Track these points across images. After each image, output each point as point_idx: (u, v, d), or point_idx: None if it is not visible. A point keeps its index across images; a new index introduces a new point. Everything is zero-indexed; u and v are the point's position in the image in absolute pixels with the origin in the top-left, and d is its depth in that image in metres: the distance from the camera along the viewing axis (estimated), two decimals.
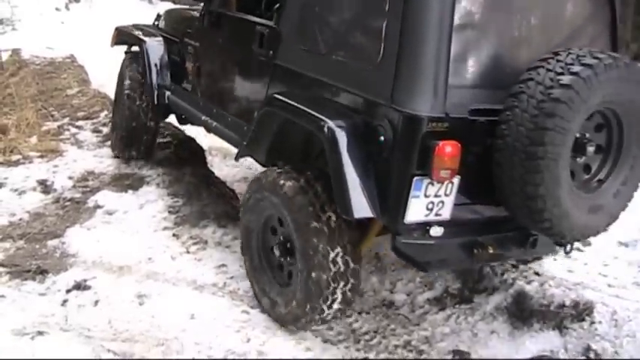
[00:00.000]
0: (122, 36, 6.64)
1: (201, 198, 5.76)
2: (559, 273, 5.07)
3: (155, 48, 6.06)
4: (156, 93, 5.96)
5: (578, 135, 3.50)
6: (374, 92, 3.64)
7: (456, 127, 3.45)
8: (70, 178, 6.08)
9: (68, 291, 4.40)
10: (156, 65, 6.00)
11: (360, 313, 4.79)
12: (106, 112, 8.05)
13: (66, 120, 7.89)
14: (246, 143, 4.57)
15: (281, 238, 4.22)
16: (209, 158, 7.17)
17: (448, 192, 3.53)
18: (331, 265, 3.86)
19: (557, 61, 3.45)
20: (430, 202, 3.51)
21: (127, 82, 6.34)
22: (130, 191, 5.82)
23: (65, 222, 5.30)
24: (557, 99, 3.32)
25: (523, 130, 3.39)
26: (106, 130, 7.47)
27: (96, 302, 4.31)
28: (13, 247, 4.89)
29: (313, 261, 3.87)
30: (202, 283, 4.63)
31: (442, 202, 3.54)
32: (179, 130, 7.41)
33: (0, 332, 3.74)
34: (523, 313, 4.60)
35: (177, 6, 7.64)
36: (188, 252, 5.02)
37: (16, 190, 5.78)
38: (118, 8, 16.68)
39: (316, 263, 3.86)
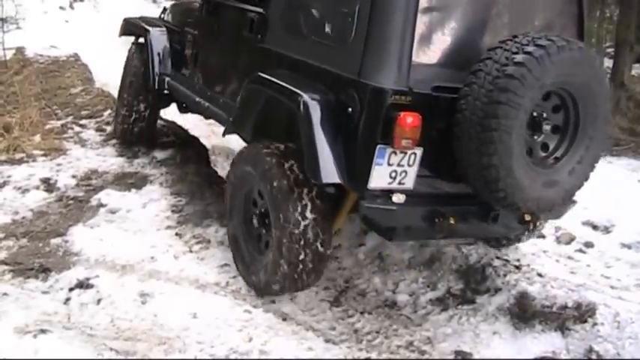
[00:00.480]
0: (129, 26, 7.02)
1: (205, 197, 5.76)
2: (561, 274, 5.08)
3: (158, 37, 6.38)
4: (157, 79, 6.26)
5: (535, 114, 3.83)
6: (345, 68, 3.97)
7: (418, 101, 3.78)
8: (74, 176, 6.08)
9: (71, 289, 4.40)
10: (158, 54, 6.32)
11: (362, 313, 4.79)
12: (109, 111, 8.06)
13: (69, 118, 7.89)
14: (232, 120, 4.89)
15: (261, 209, 4.51)
16: (212, 157, 7.17)
17: (411, 162, 3.85)
18: (302, 236, 4.16)
19: (515, 42, 3.75)
20: (393, 171, 3.83)
21: (131, 70, 6.70)
22: (134, 190, 5.83)
23: (68, 220, 5.31)
24: (511, 75, 3.62)
25: (479, 104, 3.69)
26: (109, 128, 7.48)
27: (98, 301, 4.31)
28: (16, 246, 4.90)
29: (285, 231, 4.16)
30: (205, 282, 4.63)
31: (405, 171, 3.86)
32: (183, 129, 7.44)
33: (3, 330, 3.75)
34: (525, 314, 4.60)
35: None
36: (191, 251, 5.02)
37: (19, 188, 5.78)
38: (123, 7, 16.70)
39: (288, 233, 4.15)
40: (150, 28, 6.48)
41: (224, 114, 5.19)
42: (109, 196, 5.66)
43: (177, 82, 6.14)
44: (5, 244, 4.90)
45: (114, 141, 7.10)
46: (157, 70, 6.29)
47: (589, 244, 5.94)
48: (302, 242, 4.17)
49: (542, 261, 5.39)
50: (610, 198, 6.61)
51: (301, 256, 4.20)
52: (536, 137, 3.92)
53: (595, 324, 4.36)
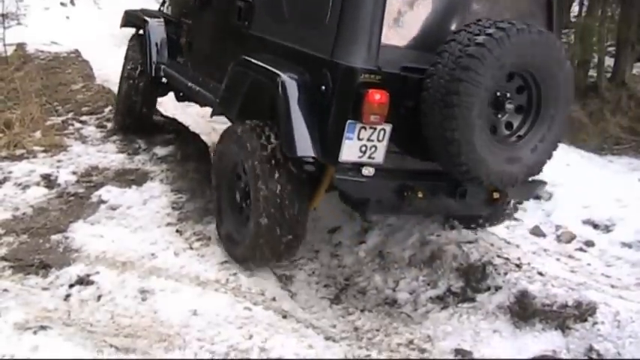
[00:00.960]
0: (129, 18, 7.32)
1: (205, 194, 5.75)
2: (562, 273, 5.08)
3: (156, 28, 6.68)
4: (154, 67, 6.54)
5: (498, 94, 4.06)
6: (320, 50, 4.26)
7: (387, 80, 4.07)
8: (74, 173, 6.07)
9: (71, 286, 4.39)
10: (156, 43, 6.60)
11: (362, 311, 4.80)
12: (110, 108, 8.05)
13: (70, 115, 7.88)
14: (219, 101, 5.18)
15: (244, 184, 4.77)
16: (213, 154, 7.16)
17: (381, 138, 4.12)
18: (279, 210, 4.42)
19: (477, 25, 4.02)
20: (363, 146, 4.10)
21: (130, 59, 6.99)
22: (134, 187, 5.82)
23: (69, 217, 5.29)
24: (472, 55, 3.88)
25: (442, 82, 3.95)
26: (110, 125, 7.47)
27: (99, 297, 4.30)
28: (17, 242, 4.89)
29: (263, 205, 4.43)
30: (205, 279, 4.63)
31: (375, 146, 4.13)
32: (183, 126, 7.43)
33: (3, 326, 3.75)
34: (526, 312, 4.61)
35: None
36: (191, 248, 5.01)
37: (19, 184, 5.77)
38: (124, 3, 16.69)
39: (265, 207, 4.43)
40: (148, 19, 6.77)
41: (212, 97, 5.43)
42: (109, 193, 5.65)
43: (173, 70, 6.42)
44: (5, 241, 4.89)
45: (114, 137, 7.09)
46: (154, 58, 6.55)
47: (589, 243, 5.94)
48: (279, 215, 4.42)
49: (542, 260, 5.39)
50: (611, 197, 6.62)
51: (278, 229, 4.46)
52: (500, 116, 4.15)
53: (595, 323, 4.37)
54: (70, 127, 7.42)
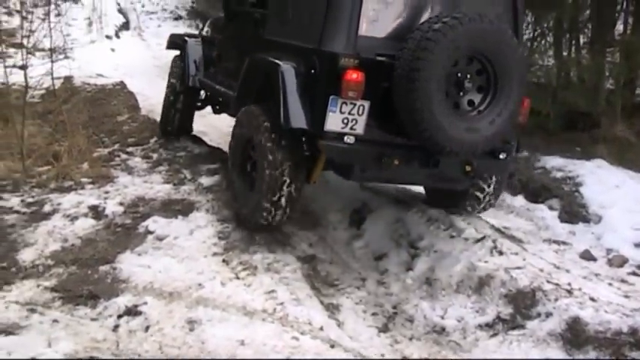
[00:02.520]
0: (173, 40, 8.55)
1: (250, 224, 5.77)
2: (615, 298, 4.95)
3: (194, 46, 7.84)
4: (191, 78, 7.61)
5: (459, 75, 4.92)
6: (311, 42, 5.21)
7: (364, 63, 4.96)
8: (121, 204, 6.14)
9: (119, 316, 4.43)
10: (194, 59, 7.70)
11: (410, 340, 4.75)
12: (155, 138, 8.16)
13: (116, 146, 8.01)
14: (236, 95, 6.20)
15: (253, 159, 5.69)
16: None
17: (360, 112, 4.98)
18: (278, 179, 5.32)
19: (437, 17, 4.95)
20: (345, 118, 4.97)
21: (173, 75, 8.12)
22: (180, 217, 5.85)
23: (116, 247, 5.34)
24: (429, 38, 4.77)
25: (407, 62, 4.81)
26: (155, 156, 7.56)
27: (147, 328, 4.33)
28: (66, 273, 4.95)
29: (266, 172, 5.36)
30: (252, 308, 4.62)
31: (355, 119, 4.99)
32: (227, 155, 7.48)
33: (53, 356, 3.81)
34: (578, 339, 4.50)
35: None
36: (238, 278, 5.02)
37: (68, 216, 5.85)
38: (167, 34, 16.94)
39: (268, 174, 5.35)
40: (188, 39, 8.02)
41: (232, 93, 6.42)
42: (156, 223, 5.70)
43: (205, 78, 7.52)
44: (55, 272, 4.96)
45: (160, 168, 7.17)
46: (192, 71, 7.64)
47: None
48: (278, 183, 5.34)
49: (594, 284, 5.28)
50: None
51: (277, 195, 5.37)
52: (462, 94, 4.99)
53: None
54: (117, 159, 7.53)
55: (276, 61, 5.40)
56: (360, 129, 4.99)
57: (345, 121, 4.95)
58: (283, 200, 5.38)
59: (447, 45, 4.75)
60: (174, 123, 8.06)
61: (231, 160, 6.06)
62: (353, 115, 4.95)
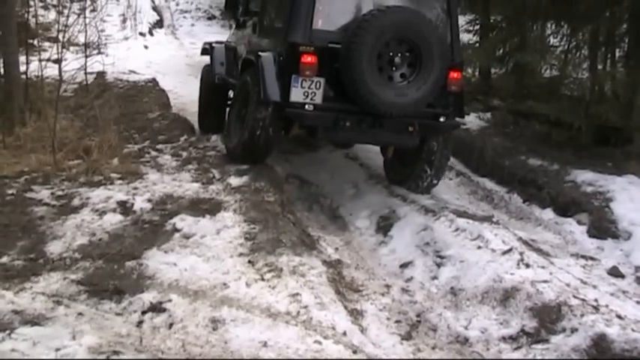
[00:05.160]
0: (204, 46, 9.95)
1: (278, 225, 5.78)
2: None
3: (218, 51, 9.25)
4: (215, 76, 8.98)
5: (391, 54, 6.47)
6: (281, 35, 6.84)
7: (318, 50, 6.51)
8: (149, 200, 6.17)
9: (144, 312, 4.43)
10: (220, 62, 9.12)
11: (433, 349, 4.73)
12: (185, 137, 8.20)
13: (146, 143, 8.06)
14: (240, 75, 7.83)
15: (246, 110, 7.24)
16: (286, 186, 7.21)
17: (317, 87, 6.55)
18: (261, 122, 6.89)
19: (371, 9, 6.54)
20: (305, 92, 6.54)
21: (204, 76, 9.38)
22: (208, 216, 5.86)
23: (143, 244, 5.36)
24: (359, 27, 6.35)
25: (345, 45, 6.41)
26: (185, 154, 7.59)
27: (170, 325, 4.33)
28: (92, 267, 4.97)
29: (253, 115, 6.92)
30: (276, 310, 4.61)
31: (314, 92, 6.56)
32: None
33: (77, 349, 3.82)
34: (603, 357, 4.44)
35: None
36: (263, 279, 5.00)
37: (97, 210, 5.89)
38: (200, 35, 17.06)
39: (254, 117, 6.91)
40: (215, 45, 9.45)
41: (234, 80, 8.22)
42: (183, 222, 5.71)
43: (225, 74, 8.96)
44: (82, 265, 4.98)
45: (189, 166, 7.21)
46: (216, 70, 9.02)
47: None
48: (260, 124, 6.88)
49: (621, 302, 5.20)
50: None
51: (257, 132, 6.90)
52: (394, 69, 6.53)
53: None
54: (147, 155, 7.58)
55: (259, 52, 7.04)
56: (318, 99, 6.57)
57: (306, 94, 6.53)
58: (262, 139, 6.92)
59: (373, 30, 6.29)
60: (210, 114, 9.18)
61: (234, 106, 7.74)
62: (312, 89, 6.54)
